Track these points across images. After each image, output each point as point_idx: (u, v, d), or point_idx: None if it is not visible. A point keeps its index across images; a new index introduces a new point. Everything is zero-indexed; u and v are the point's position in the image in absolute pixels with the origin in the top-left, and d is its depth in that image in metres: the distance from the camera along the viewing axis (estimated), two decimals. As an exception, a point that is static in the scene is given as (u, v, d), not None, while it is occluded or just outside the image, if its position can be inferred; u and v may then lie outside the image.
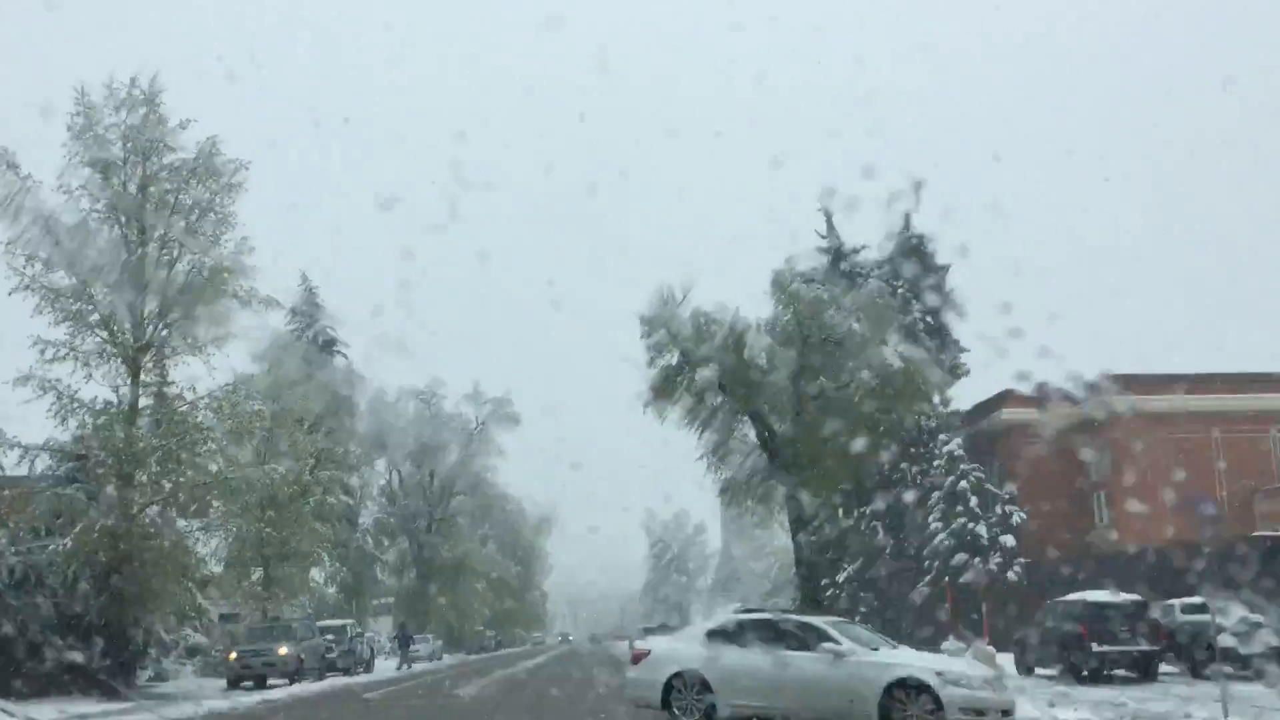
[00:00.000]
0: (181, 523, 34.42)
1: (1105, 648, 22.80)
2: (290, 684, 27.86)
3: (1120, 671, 23.33)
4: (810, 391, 31.49)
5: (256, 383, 34.98)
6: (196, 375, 28.25)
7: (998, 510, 45.18)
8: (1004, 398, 48.05)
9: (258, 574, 37.82)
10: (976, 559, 44.28)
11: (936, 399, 34.33)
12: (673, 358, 32.20)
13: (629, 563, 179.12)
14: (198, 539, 36.10)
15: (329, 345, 66.74)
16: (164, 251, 26.27)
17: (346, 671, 33.49)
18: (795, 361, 30.84)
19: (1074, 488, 45.90)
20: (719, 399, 31.80)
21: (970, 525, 44.64)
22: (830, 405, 31.56)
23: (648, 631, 54.27)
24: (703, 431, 32.35)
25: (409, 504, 70.67)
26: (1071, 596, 24.95)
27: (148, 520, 26.23)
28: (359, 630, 36.21)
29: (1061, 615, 24.22)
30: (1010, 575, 43.48)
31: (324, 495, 39.57)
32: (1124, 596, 23.87)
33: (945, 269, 49.92)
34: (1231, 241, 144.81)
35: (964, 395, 49.97)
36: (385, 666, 44.51)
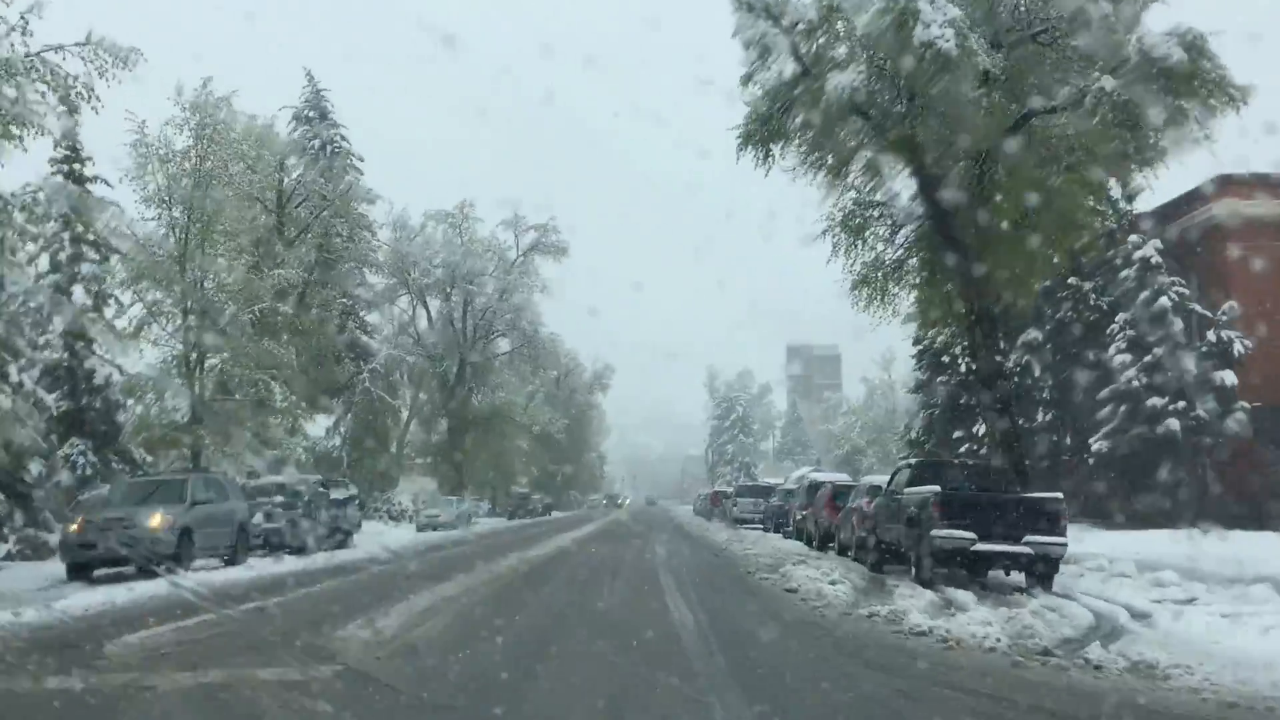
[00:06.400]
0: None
1: None
2: (169, 572, 17.05)
3: None
4: (1013, 112, 19.23)
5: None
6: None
7: (1210, 338, 32.98)
8: (1217, 186, 35.20)
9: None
10: (1180, 403, 32.30)
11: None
12: (785, 66, 20.02)
13: (690, 424, 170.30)
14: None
15: (343, 158, 54.93)
16: None
17: (300, 550, 22.79)
18: (992, 59, 18.50)
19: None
20: (860, 129, 19.69)
21: (1172, 358, 32.54)
22: (1048, 138, 19.37)
23: (742, 493, 43.92)
24: (832, 185, 20.39)
25: (437, 344, 59.91)
26: None
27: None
28: (323, 491, 25.20)
29: None
30: (1231, 424, 31.56)
31: (302, 310, 28.27)
32: None
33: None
34: None
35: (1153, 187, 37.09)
36: (391, 537, 34.14)
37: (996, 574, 15.34)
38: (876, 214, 21.16)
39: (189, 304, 25.14)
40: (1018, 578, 15.13)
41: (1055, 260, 20.69)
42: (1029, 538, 13.95)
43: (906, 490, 15.78)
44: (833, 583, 14.17)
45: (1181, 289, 33.91)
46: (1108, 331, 34.54)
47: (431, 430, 63.11)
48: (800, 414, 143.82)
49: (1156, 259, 33.87)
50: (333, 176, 47.02)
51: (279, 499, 23.92)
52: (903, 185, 20.75)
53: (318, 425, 45.64)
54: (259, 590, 13.51)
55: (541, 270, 63.72)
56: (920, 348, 44.50)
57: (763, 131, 19.96)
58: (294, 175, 42.48)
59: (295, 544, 23.12)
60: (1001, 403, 19.96)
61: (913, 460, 18.05)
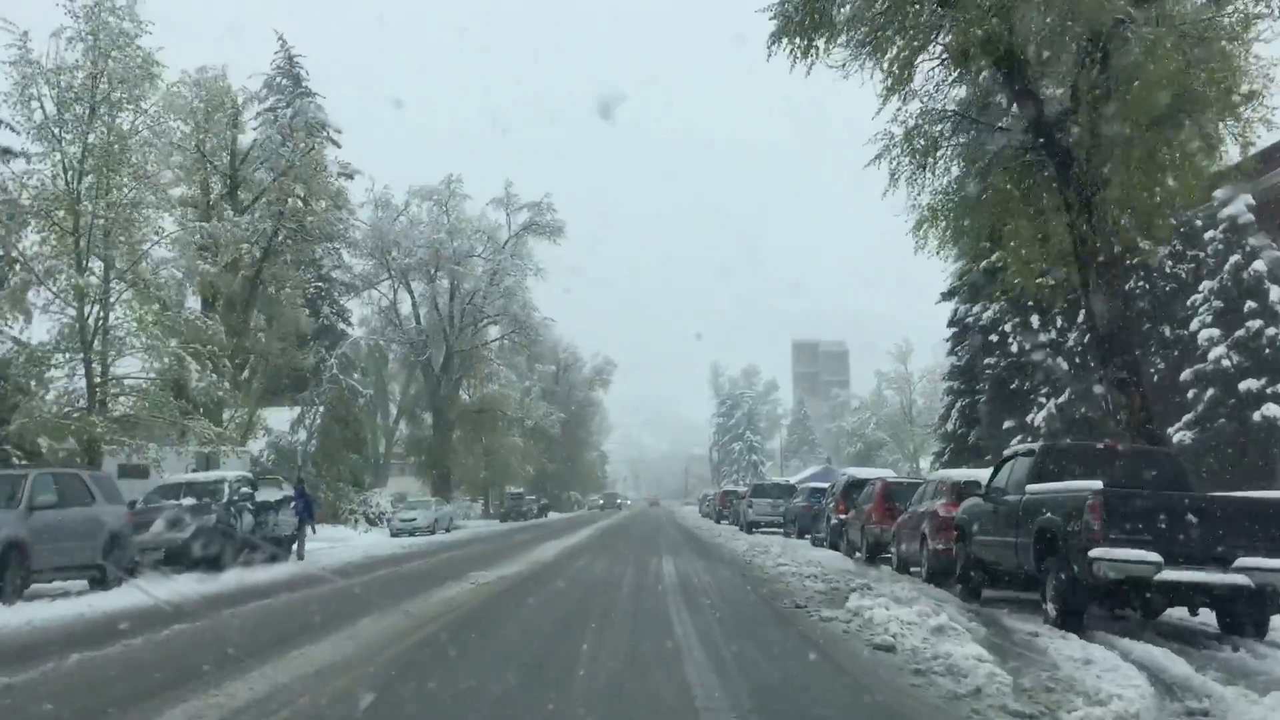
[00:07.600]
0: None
1: None
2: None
3: None
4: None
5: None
6: None
7: (1313, 308, 28.00)
8: (1314, 134, 30.22)
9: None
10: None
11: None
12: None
13: (694, 423, 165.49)
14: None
15: (317, 128, 49.86)
16: None
17: (213, 563, 17.87)
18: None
19: None
20: (933, 9, 14.70)
21: (1270, 331, 27.61)
22: (1183, 18, 14.39)
23: (758, 492, 38.95)
24: (892, 89, 15.36)
25: (422, 330, 54.96)
26: None
27: None
28: (248, 491, 20.03)
29: None
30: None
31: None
32: None
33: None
34: None
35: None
36: (355, 546, 29.51)
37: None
38: (950, 128, 16.12)
39: (83, 261, 20.18)
40: (1202, 615, 10.24)
41: (1196, 181, 15.55)
42: (1243, 560, 8.99)
43: (1031, 488, 10.77)
44: (938, 629, 9.20)
45: (1275, 252, 28.93)
46: (1189, 303, 29.56)
47: (419, 426, 58.17)
48: (807, 411, 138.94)
49: (1248, 217, 28.86)
50: (294, 135, 41.88)
51: (188, 501, 18.92)
52: (990, 85, 15.80)
53: (280, 418, 40.76)
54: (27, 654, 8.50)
55: (535, 252, 59.05)
56: (957, 329, 39.51)
57: (805, 12, 14.97)
58: (250, 133, 37.69)
59: (205, 557, 18.13)
60: (1128, 368, 14.98)
61: (1034, 445, 12.98)
